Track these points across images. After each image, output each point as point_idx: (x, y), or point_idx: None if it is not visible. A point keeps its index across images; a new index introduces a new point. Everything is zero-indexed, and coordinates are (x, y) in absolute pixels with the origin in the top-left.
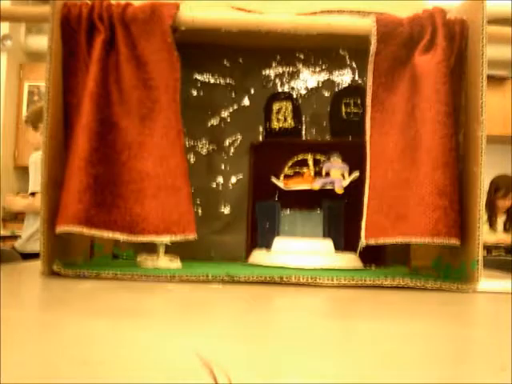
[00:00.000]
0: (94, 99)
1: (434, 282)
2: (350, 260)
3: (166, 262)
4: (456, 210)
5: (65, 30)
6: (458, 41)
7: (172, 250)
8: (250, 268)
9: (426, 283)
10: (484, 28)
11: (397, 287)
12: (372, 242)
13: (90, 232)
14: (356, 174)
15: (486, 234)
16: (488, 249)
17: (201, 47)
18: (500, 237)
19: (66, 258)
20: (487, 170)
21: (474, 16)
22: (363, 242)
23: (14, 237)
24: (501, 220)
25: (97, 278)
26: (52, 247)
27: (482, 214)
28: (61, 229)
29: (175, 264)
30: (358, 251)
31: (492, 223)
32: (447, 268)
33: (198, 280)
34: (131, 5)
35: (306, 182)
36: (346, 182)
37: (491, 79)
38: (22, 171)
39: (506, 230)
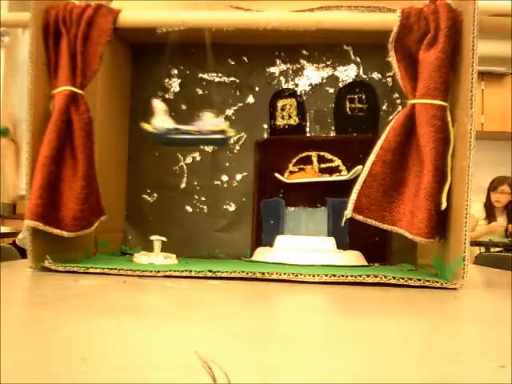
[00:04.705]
0: (64, 103)
1: (418, 278)
2: (352, 257)
3: (161, 259)
4: (440, 211)
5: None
6: (455, 34)
7: (178, 247)
8: (245, 265)
9: (408, 280)
10: (476, 20)
11: (401, 285)
12: (358, 217)
13: (44, 228)
14: (359, 167)
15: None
16: (486, 247)
17: (205, 46)
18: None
19: (67, 254)
20: (486, 166)
21: (466, 7)
22: (348, 213)
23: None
24: (500, 220)
25: (85, 273)
26: (41, 242)
27: (469, 210)
28: (26, 223)
29: (170, 261)
30: (343, 223)
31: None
32: (441, 265)
33: (182, 275)
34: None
35: (308, 176)
36: (350, 176)
37: (491, 75)
38: None
39: (506, 236)
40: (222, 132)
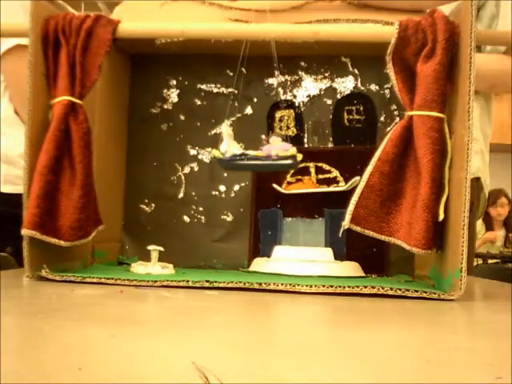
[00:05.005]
0: (62, 112)
1: (415, 290)
2: (350, 268)
3: (159, 269)
4: (437, 222)
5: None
6: (453, 46)
7: (175, 257)
8: (243, 275)
9: (406, 291)
10: (473, 32)
11: (397, 296)
12: (356, 228)
13: (41, 237)
14: (356, 178)
15: (484, 249)
16: (484, 259)
17: (204, 57)
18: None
19: (64, 264)
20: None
21: (463, 20)
22: (346, 224)
23: None
24: (499, 234)
25: (82, 282)
26: (38, 252)
27: (466, 221)
28: (23, 232)
29: (167, 270)
30: (340, 233)
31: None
32: (439, 277)
33: (179, 285)
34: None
35: (306, 187)
36: (347, 187)
37: None
38: None
39: (506, 246)
40: (292, 157)
